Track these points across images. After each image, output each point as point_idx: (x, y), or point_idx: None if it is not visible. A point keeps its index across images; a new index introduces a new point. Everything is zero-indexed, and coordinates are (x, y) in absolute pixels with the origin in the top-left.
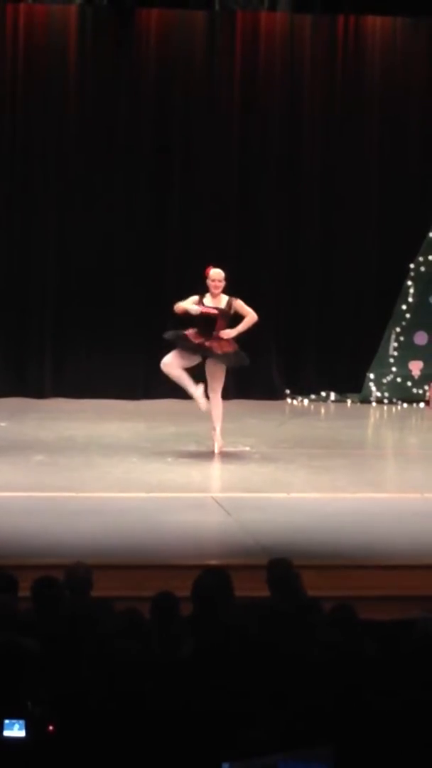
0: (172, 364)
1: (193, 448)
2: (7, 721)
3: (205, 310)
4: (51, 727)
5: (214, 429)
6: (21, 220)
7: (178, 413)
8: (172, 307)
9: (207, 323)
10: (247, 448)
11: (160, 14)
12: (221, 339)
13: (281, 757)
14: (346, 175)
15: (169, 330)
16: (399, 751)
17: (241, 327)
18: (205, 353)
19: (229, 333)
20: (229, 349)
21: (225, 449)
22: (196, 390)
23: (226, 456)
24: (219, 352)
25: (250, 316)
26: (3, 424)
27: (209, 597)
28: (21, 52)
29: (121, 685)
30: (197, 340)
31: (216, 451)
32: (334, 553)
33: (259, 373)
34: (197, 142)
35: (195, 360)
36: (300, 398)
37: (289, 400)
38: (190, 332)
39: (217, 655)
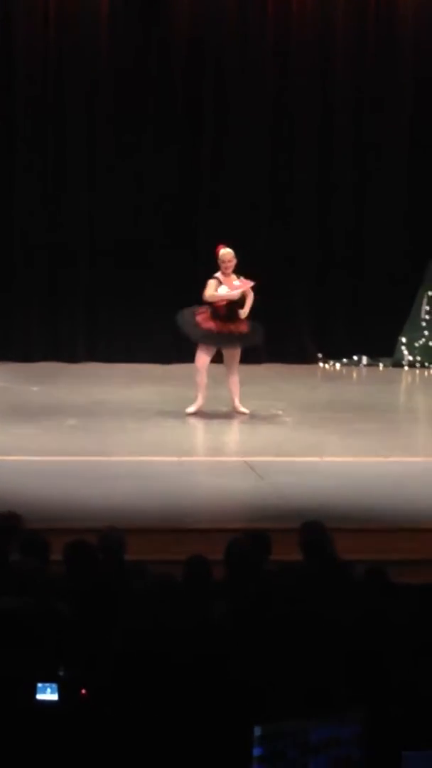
0: (203, 367)
1: (224, 411)
2: (40, 685)
3: (243, 289)
4: (83, 691)
5: (233, 401)
6: (54, 185)
7: (211, 377)
8: (205, 274)
9: (231, 308)
10: (280, 412)
11: None
12: (242, 320)
13: (313, 721)
14: (379, 136)
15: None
16: (430, 715)
17: (248, 307)
18: (236, 341)
19: (244, 312)
20: (247, 328)
21: (254, 412)
22: (197, 406)
23: (258, 420)
24: (246, 334)
25: (251, 295)
26: (35, 389)
27: (242, 561)
28: (52, 10)
29: (154, 648)
30: (225, 329)
31: (247, 411)
32: (367, 517)
33: (291, 338)
34: (229, 98)
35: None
36: (332, 362)
37: (321, 364)
38: (206, 320)
39: (249, 619)
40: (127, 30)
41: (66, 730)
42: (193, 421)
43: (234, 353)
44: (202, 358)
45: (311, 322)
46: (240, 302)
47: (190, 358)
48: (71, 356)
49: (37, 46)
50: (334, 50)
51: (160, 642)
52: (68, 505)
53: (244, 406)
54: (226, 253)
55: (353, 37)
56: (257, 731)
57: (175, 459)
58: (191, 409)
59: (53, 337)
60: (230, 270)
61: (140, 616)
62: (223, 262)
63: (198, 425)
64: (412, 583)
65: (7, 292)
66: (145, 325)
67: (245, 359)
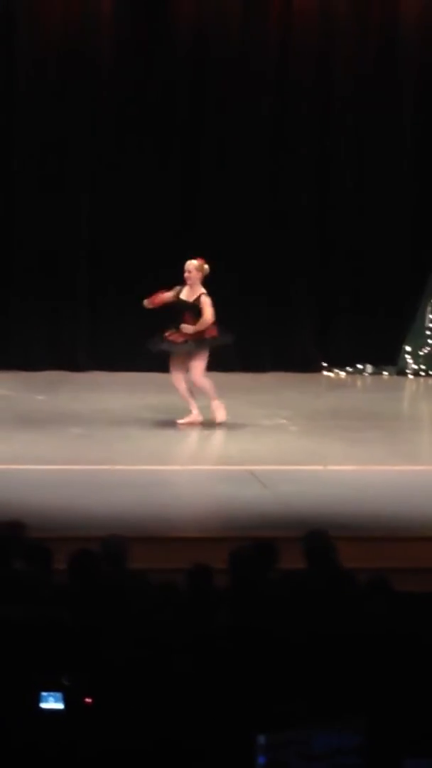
0: (176, 378)
1: (230, 420)
2: (44, 694)
3: (155, 301)
4: (88, 700)
5: (213, 401)
6: (54, 189)
7: (215, 386)
8: (209, 280)
9: (177, 315)
10: (284, 421)
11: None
12: (179, 331)
13: (315, 730)
14: (380, 140)
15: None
16: (431, 723)
17: (196, 328)
18: (169, 347)
19: (187, 329)
20: (181, 338)
21: (224, 420)
22: (194, 413)
23: (262, 428)
24: (177, 341)
25: (204, 319)
26: (40, 397)
27: (246, 570)
28: (58, 4)
29: (156, 657)
30: (169, 337)
31: (218, 420)
32: (370, 525)
33: (296, 346)
34: (230, 110)
35: (181, 355)
36: (336, 370)
37: (325, 373)
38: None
39: (252, 627)
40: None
41: (71, 739)
42: (197, 429)
43: (184, 360)
44: (173, 374)
45: (315, 331)
46: (194, 312)
47: None
48: (74, 364)
49: (39, 35)
50: (335, 54)
51: (162, 651)
52: (72, 513)
53: (217, 414)
54: (187, 263)
55: (354, 42)
56: (260, 740)
57: (178, 467)
58: (184, 420)
59: (56, 345)
60: (190, 281)
61: (143, 625)
62: (185, 272)
63: (202, 434)
64: (415, 591)
65: (9, 301)
66: (148, 333)
67: (248, 367)
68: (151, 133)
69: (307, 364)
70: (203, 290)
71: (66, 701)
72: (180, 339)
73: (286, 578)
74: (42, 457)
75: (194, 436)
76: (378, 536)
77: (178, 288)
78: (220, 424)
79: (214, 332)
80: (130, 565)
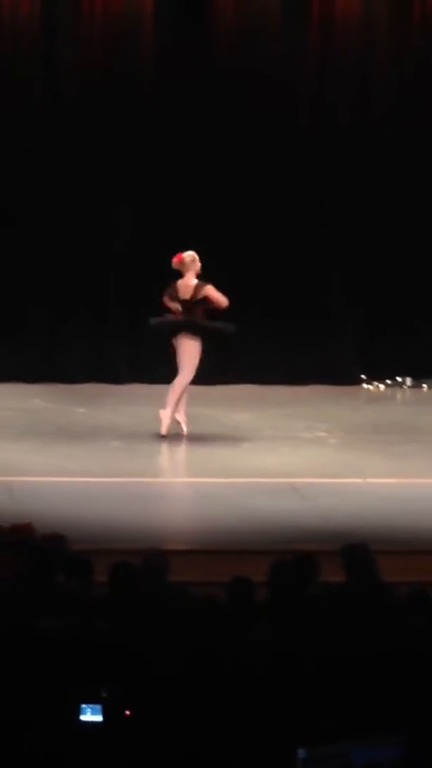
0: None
1: (269, 433)
2: (83, 706)
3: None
4: (128, 712)
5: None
6: (93, 204)
7: (254, 398)
8: (248, 292)
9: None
10: (323, 434)
11: (235, 3)
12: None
13: (355, 744)
14: (422, 151)
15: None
16: None
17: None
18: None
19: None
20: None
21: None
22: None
23: (302, 441)
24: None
25: (221, 302)
26: (81, 410)
27: (286, 583)
28: (98, 20)
29: (197, 670)
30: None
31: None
32: (410, 539)
33: (335, 359)
34: (270, 119)
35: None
36: (376, 383)
37: (365, 386)
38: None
39: (293, 641)
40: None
41: (110, 751)
42: (237, 441)
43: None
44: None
45: (355, 344)
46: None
47: (233, 379)
48: (114, 377)
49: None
50: (375, 65)
51: (202, 664)
52: (112, 526)
53: (265, 426)
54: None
55: (395, 53)
56: (301, 754)
57: (219, 480)
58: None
59: (97, 358)
60: (185, 273)
61: (183, 638)
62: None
63: (242, 446)
64: None
65: (51, 314)
66: None
67: (287, 380)
68: (190, 146)
69: (347, 377)
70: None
71: (105, 713)
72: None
73: (326, 592)
74: (82, 469)
75: (234, 448)
76: (418, 549)
77: (170, 291)
78: (163, 436)
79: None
80: (171, 578)
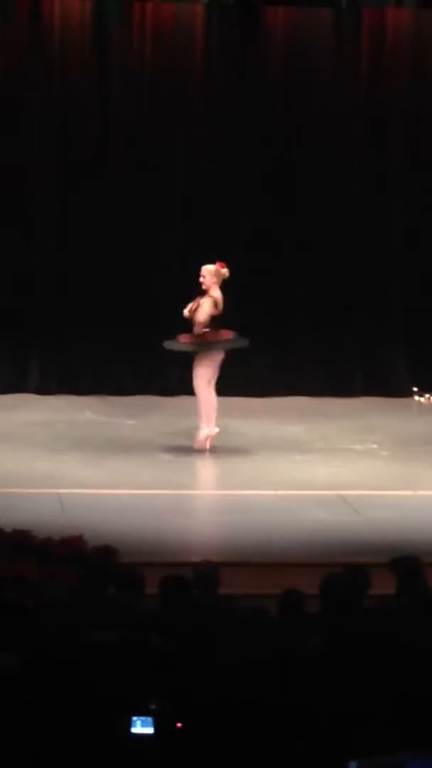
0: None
1: (320, 445)
2: (134, 718)
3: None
4: (179, 724)
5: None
6: (155, 219)
7: (305, 411)
8: (301, 306)
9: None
10: (374, 446)
11: (286, 12)
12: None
13: (407, 756)
14: None
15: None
16: None
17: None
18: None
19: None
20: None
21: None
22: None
23: (353, 453)
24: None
25: (197, 318)
26: (131, 422)
27: (337, 595)
28: (148, 52)
29: (247, 682)
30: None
31: (196, 446)
32: None
33: (386, 371)
34: (323, 139)
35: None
36: (427, 395)
37: (416, 398)
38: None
39: (344, 654)
40: (222, 70)
41: (160, 764)
42: (288, 453)
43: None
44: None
45: (406, 355)
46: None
47: (284, 391)
48: (164, 390)
49: (133, 78)
50: (427, 79)
51: (254, 676)
52: (163, 538)
53: (316, 438)
54: (203, 268)
55: None
56: (352, 766)
57: (269, 493)
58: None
59: (147, 370)
60: (205, 286)
61: (234, 650)
62: (201, 276)
63: (291, 459)
64: None
65: (100, 326)
66: (239, 358)
67: (338, 392)
68: (244, 160)
69: (398, 389)
70: (214, 293)
71: (156, 726)
72: (185, 340)
73: (376, 604)
74: (132, 482)
75: (285, 461)
76: None
77: (198, 300)
78: (198, 451)
79: (216, 336)
80: (221, 591)
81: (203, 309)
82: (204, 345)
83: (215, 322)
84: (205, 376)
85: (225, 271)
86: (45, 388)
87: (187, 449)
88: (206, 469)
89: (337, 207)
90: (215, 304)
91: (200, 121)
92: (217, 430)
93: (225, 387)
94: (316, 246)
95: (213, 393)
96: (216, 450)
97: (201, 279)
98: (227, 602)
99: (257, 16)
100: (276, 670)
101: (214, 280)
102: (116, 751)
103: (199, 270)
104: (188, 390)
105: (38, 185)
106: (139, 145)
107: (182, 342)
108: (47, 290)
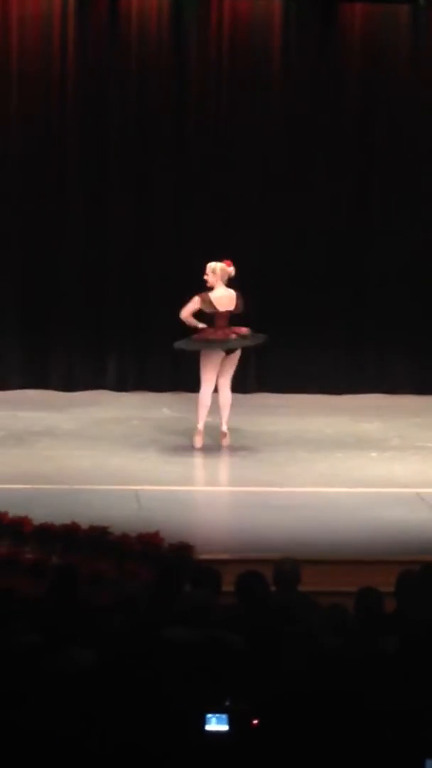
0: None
1: (397, 443)
2: (209, 715)
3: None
4: (255, 722)
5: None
6: (226, 214)
7: (382, 408)
8: (379, 301)
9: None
10: None
11: (363, 9)
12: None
13: None
14: None
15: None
16: None
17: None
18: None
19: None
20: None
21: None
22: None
23: (430, 451)
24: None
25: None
26: (208, 419)
27: (413, 593)
28: (225, 51)
29: (325, 680)
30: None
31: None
32: None
33: None
34: (402, 139)
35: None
36: None
37: None
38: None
39: (420, 651)
40: (299, 67)
41: (235, 761)
42: (364, 451)
43: (233, 362)
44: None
45: None
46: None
47: (362, 389)
48: (242, 387)
49: (209, 75)
50: None
51: (330, 673)
52: (240, 536)
53: (393, 436)
54: (208, 265)
55: None
56: (429, 765)
57: (347, 490)
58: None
59: None
60: (209, 284)
61: (311, 647)
62: (205, 274)
63: (369, 455)
64: None
65: (179, 324)
66: (316, 355)
67: (416, 389)
68: (321, 163)
69: None
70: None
71: (231, 723)
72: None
73: None
74: (210, 479)
75: (362, 458)
76: None
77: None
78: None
79: (214, 334)
80: (300, 588)
81: (186, 306)
82: (196, 343)
83: (217, 319)
84: (204, 374)
85: (231, 269)
86: (122, 384)
87: (263, 446)
88: (283, 466)
89: (414, 196)
90: (208, 302)
91: (276, 117)
92: (200, 427)
93: (302, 384)
94: (403, 247)
95: (208, 393)
96: (293, 447)
97: (205, 277)
98: (305, 600)
99: (334, 13)
100: (353, 669)
101: (216, 277)
102: (191, 749)
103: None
104: (267, 388)
105: (116, 180)
106: (216, 140)
107: (178, 341)
108: (124, 288)
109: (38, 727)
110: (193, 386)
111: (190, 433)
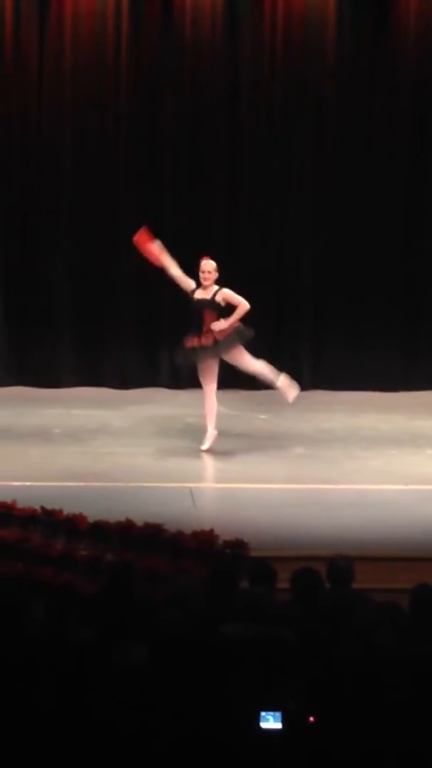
0: (210, 391)
1: None
2: (263, 713)
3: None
4: (311, 719)
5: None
6: (279, 210)
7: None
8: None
9: (197, 317)
10: None
11: (419, 2)
12: (212, 331)
13: None
14: None
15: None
16: None
17: (233, 318)
18: (207, 352)
19: (220, 325)
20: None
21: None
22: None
23: None
24: (216, 340)
25: (242, 306)
26: (263, 417)
27: None
28: (279, 45)
29: (380, 677)
30: (193, 344)
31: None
32: None
33: None
34: None
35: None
36: None
37: None
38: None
39: None
40: (353, 61)
41: (289, 759)
42: (419, 448)
43: (209, 368)
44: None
45: None
46: (213, 309)
47: (418, 386)
48: (297, 384)
49: (263, 69)
50: None
51: (385, 671)
52: (296, 533)
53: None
54: (205, 264)
55: None
56: None
57: (402, 487)
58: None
59: (279, 365)
60: (208, 282)
61: (366, 645)
62: (203, 272)
63: (424, 453)
64: None
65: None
66: (371, 352)
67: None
68: (376, 153)
69: None
70: (217, 287)
71: (285, 721)
72: (210, 340)
73: None
74: (264, 475)
75: (416, 455)
76: None
77: (192, 286)
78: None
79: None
80: (355, 585)
81: (239, 298)
82: (235, 336)
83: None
84: (249, 356)
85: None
86: (176, 382)
87: (318, 443)
88: (338, 464)
89: None
90: None
91: (331, 109)
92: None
93: (358, 381)
94: None
95: (209, 395)
96: (348, 444)
97: (206, 275)
98: (359, 597)
99: (389, 4)
100: (408, 666)
101: (214, 276)
102: (245, 746)
103: (200, 263)
104: (321, 385)
105: (169, 175)
106: (270, 135)
107: (211, 345)
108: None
109: (95, 722)
110: (247, 384)
111: (246, 431)
